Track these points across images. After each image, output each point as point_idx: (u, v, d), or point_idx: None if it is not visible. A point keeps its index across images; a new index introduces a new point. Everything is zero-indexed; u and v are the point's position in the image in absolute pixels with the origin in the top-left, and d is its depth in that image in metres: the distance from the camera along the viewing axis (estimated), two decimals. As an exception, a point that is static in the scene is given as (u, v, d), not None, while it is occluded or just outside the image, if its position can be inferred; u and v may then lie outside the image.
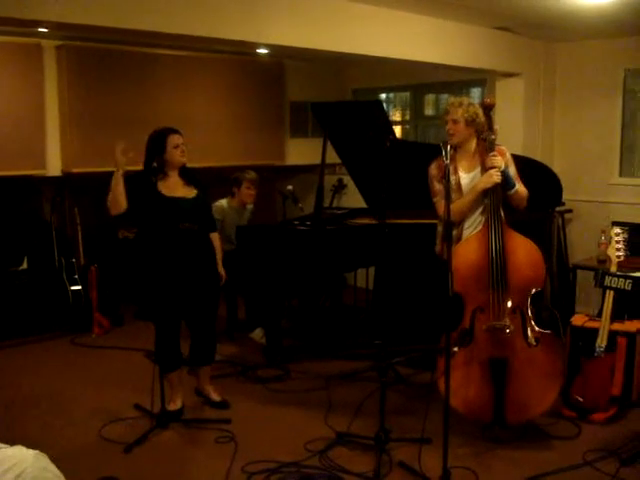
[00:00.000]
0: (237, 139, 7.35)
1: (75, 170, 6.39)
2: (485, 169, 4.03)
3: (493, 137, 4.03)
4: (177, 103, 6.85)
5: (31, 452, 1.48)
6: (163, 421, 4.24)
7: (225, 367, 5.32)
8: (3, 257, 6.28)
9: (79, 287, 6.33)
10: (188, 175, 4.37)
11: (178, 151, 4.25)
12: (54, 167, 6.40)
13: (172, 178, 4.29)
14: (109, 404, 4.63)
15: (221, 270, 4.55)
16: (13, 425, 4.26)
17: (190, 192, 4.33)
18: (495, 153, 4.01)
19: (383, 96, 8.46)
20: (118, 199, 4.11)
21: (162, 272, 4.23)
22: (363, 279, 6.58)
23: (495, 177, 3.96)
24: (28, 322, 6.15)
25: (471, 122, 4.11)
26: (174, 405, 4.42)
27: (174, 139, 4.24)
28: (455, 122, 4.11)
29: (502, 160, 4.02)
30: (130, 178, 4.16)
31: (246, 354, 5.67)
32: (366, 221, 5.71)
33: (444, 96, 7.80)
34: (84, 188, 6.69)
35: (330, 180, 7.47)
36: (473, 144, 4.18)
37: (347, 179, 7.20)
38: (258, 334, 6.00)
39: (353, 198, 6.80)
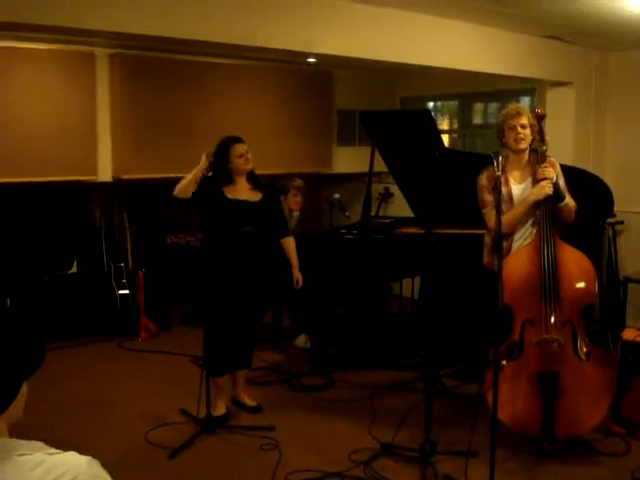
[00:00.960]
0: (285, 147, 7.39)
1: (125, 177, 6.49)
2: (536, 181, 3.98)
3: (545, 148, 3.99)
4: (226, 111, 6.91)
5: (84, 458, 1.49)
6: (209, 427, 4.27)
7: (269, 374, 5.35)
8: (54, 260, 6.39)
9: (127, 291, 6.41)
10: (255, 180, 4.45)
11: (242, 160, 4.33)
12: (105, 173, 6.50)
13: (239, 184, 4.39)
14: (155, 408, 4.67)
15: (297, 274, 4.60)
16: (60, 428, 4.32)
17: (255, 196, 4.40)
18: (547, 165, 3.96)
19: (431, 104, 8.42)
20: (189, 185, 4.24)
21: (223, 275, 4.31)
22: (409, 289, 6.54)
23: (547, 189, 3.91)
24: (76, 325, 6.24)
25: (533, 128, 4.05)
26: (218, 411, 4.45)
27: (238, 149, 4.33)
28: (524, 127, 4.02)
29: (554, 172, 3.97)
30: (200, 182, 4.26)
31: (290, 362, 5.68)
32: (413, 230, 5.67)
33: (492, 105, 7.73)
34: (134, 194, 6.80)
35: (377, 189, 7.45)
36: (527, 154, 4.13)
37: (393, 188, 7.17)
38: (302, 339, 6.04)
39: (399, 207, 6.78)
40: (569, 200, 4.06)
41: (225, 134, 4.45)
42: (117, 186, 6.66)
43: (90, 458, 1.50)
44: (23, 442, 1.48)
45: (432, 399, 3.89)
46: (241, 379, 4.70)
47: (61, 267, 6.38)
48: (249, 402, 4.69)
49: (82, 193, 6.78)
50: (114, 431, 4.35)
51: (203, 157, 4.29)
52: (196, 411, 4.31)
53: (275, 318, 6.18)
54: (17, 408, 1.52)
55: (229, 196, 4.31)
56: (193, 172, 4.26)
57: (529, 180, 4.08)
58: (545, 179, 3.92)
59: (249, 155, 4.36)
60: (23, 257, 6.28)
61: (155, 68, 6.58)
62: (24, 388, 1.53)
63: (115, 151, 6.50)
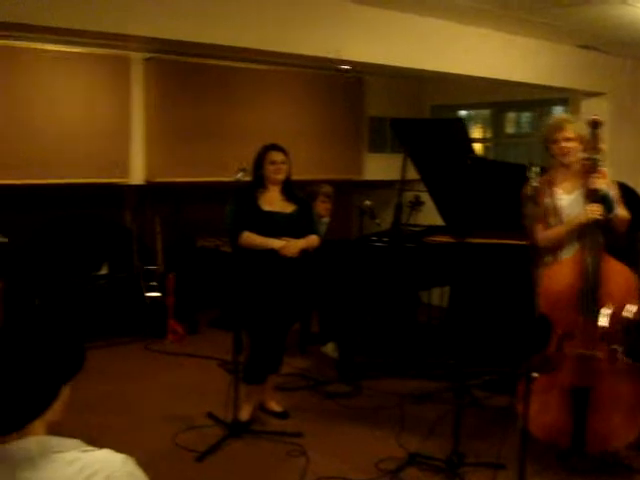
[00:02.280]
0: (316, 153, 7.39)
1: (158, 180, 6.53)
2: (587, 190, 3.83)
3: (597, 157, 3.81)
4: (258, 116, 6.94)
5: (119, 456, 1.49)
6: (236, 431, 4.27)
7: (297, 381, 5.33)
8: (85, 262, 6.44)
9: (156, 294, 6.44)
10: (290, 191, 4.43)
11: (273, 167, 4.33)
12: (137, 176, 6.56)
13: (272, 192, 4.38)
14: (182, 411, 4.67)
15: (287, 247, 4.29)
16: (87, 428, 4.31)
17: (288, 207, 4.39)
18: (598, 175, 3.78)
19: (463, 113, 8.38)
20: (253, 247, 4.26)
21: (257, 284, 4.31)
22: (438, 297, 6.50)
23: (596, 214, 3.74)
24: (105, 326, 6.26)
25: (582, 140, 3.91)
26: (242, 416, 4.42)
27: (271, 155, 4.34)
28: (568, 140, 3.90)
29: (605, 182, 3.82)
30: (237, 190, 4.25)
31: (318, 368, 5.66)
32: (444, 239, 5.62)
33: (525, 114, 7.68)
34: (165, 197, 6.83)
35: (407, 196, 7.41)
36: (576, 164, 3.99)
37: (424, 196, 7.14)
38: (331, 348, 6.00)
39: (429, 215, 6.74)
40: (620, 211, 3.89)
41: (256, 139, 4.47)
42: (149, 189, 6.71)
43: (125, 456, 1.50)
44: (59, 440, 1.49)
45: (462, 410, 3.85)
46: (269, 384, 4.69)
47: (92, 268, 6.43)
48: (276, 408, 4.69)
49: (114, 195, 6.84)
50: (142, 433, 4.37)
51: (280, 244, 4.25)
52: (223, 415, 4.31)
53: (304, 324, 6.16)
54: (55, 411, 1.52)
55: (262, 206, 4.32)
56: (265, 242, 4.24)
57: (580, 190, 3.93)
58: (596, 189, 3.78)
59: (283, 165, 4.35)
60: (54, 258, 6.33)
61: (189, 73, 6.63)
62: (65, 391, 1.53)
63: (148, 154, 6.55)
